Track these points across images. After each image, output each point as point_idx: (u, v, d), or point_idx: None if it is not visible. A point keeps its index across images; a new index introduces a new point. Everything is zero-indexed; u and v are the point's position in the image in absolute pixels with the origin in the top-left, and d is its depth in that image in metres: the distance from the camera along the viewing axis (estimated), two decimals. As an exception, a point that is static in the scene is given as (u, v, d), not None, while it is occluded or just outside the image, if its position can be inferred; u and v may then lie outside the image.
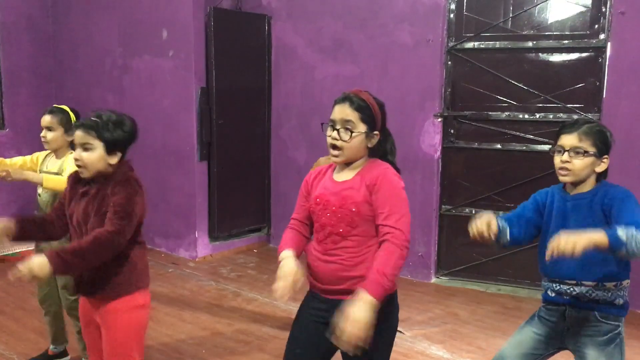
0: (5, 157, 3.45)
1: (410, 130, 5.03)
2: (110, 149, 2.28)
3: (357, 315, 1.90)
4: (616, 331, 2.22)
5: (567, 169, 2.19)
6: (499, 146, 4.84)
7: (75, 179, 2.40)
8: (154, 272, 5.24)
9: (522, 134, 4.77)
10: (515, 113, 4.77)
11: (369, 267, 2.04)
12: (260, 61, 5.87)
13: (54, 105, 3.33)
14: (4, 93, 6.31)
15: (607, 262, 2.16)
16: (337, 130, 2.10)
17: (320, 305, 2.19)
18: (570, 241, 1.87)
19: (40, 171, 3.22)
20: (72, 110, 3.26)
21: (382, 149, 2.19)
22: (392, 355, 3.71)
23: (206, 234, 5.73)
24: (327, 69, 5.46)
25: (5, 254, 5.48)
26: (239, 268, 5.47)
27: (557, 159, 2.23)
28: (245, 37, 5.72)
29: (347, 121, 2.09)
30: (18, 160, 3.38)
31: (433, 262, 5.13)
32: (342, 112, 2.11)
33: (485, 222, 2.16)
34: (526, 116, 4.73)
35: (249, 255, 5.86)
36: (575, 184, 2.24)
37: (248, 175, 5.90)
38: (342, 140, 2.09)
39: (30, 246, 3.54)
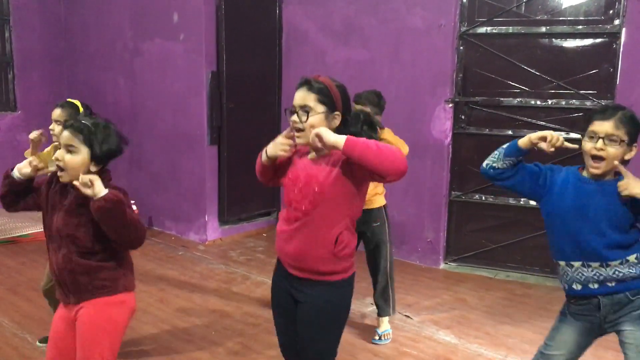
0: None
1: (421, 115, 5.00)
2: (94, 157, 2.21)
3: None
4: None
5: (601, 158, 2.13)
6: (510, 132, 4.81)
7: (49, 185, 2.33)
8: (164, 254, 5.33)
9: (534, 121, 4.73)
10: (527, 99, 4.73)
11: (327, 250, 2.17)
12: (271, 45, 5.85)
13: (67, 99, 3.35)
14: (16, 75, 6.35)
15: (632, 242, 2.19)
16: (297, 113, 2.18)
17: (285, 276, 2.33)
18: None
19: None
20: (83, 104, 3.27)
21: (351, 131, 2.19)
22: (401, 340, 3.74)
23: (216, 218, 5.75)
24: (338, 54, 5.43)
25: (17, 235, 5.55)
26: (248, 252, 5.50)
27: (589, 146, 2.15)
28: (256, 21, 5.69)
29: (305, 105, 2.17)
30: (49, 150, 3.37)
31: (442, 248, 5.13)
32: (301, 96, 2.19)
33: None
34: (538, 102, 4.70)
35: (258, 239, 5.89)
36: (602, 175, 2.18)
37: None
38: (300, 121, 2.17)
39: (40, 228, 3.58)
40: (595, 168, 2.15)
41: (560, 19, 4.57)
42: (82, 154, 2.19)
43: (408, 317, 4.08)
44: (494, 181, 2.34)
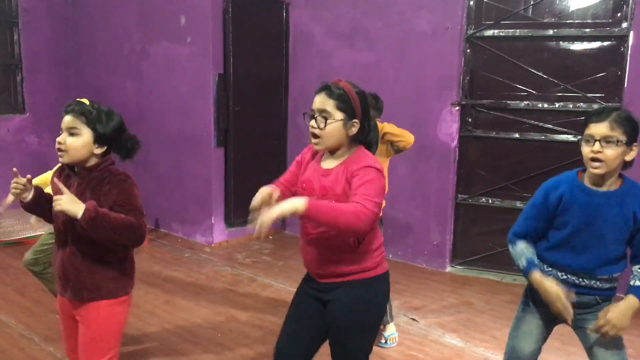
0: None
1: (427, 118, 5.00)
2: (97, 139, 2.22)
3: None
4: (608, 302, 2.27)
5: (599, 160, 2.12)
6: (517, 135, 4.80)
7: (57, 176, 2.34)
8: (170, 256, 5.34)
9: (540, 124, 4.72)
10: (534, 102, 4.72)
11: (347, 251, 2.16)
12: (277, 48, 5.86)
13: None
14: (24, 78, 6.38)
15: (621, 261, 2.23)
16: (315, 118, 2.15)
17: (315, 285, 2.29)
18: (618, 328, 2.14)
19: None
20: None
21: (365, 140, 2.20)
22: (407, 343, 3.73)
23: (222, 220, 5.76)
24: (345, 56, 5.44)
25: (24, 236, 5.57)
26: (255, 254, 5.51)
27: (587, 149, 2.14)
28: (263, 24, 5.71)
29: (324, 110, 2.13)
30: (41, 178, 3.36)
31: (448, 251, 5.12)
32: (320, 101, 2.16)
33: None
34: (545, 105, 4.68)
35: (264, 242, 5.89)
36: (604, 176, 2.16)
37: (264, 162, 5.92)
38: (318, 128, 2.14)
39: (47, 229, 3.59)
40: (596, 168, 2.13)
41: (568, 22, 4.56)
42: (85, 136, 2.20)
43: (414, 320, 4.07)
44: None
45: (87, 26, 6.52)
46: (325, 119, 2.13)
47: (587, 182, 2.21)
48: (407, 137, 3.56)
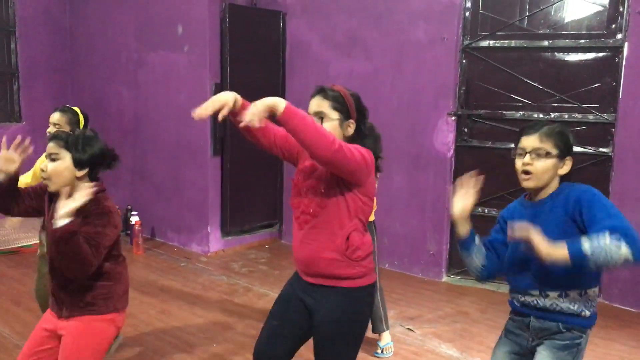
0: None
1: (423, 128, 5.02)
2: (77, 162, 2.25)
3: None
4: (577, 341, 2.12)
5: (528, 172, 2.10)
6: (512, 145, 4.78)
7: (50, 195, 2.38)
8: (166, 265, 5.33)
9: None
10: (530, 112, 4.74)
11: (338, 252, 2.17)
12: (274, 57, 5.88)
13: (66, 105, 3.36)
14: (21, 86, 6.38)
15: (570, 272, 2.01)
16: None
17: (301, 285, 2.32)
18: (536, 241, 1.89)
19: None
20: (82, 113, 3.28)
21: (363, 143, 2.21)
22: (403, 353, 3.72)
23: (218, 229, 5.76)
24: (341, 66, 5.46)
25: (20, 245, 5.55)
26: (251, 263, 5.50)
27: (519, 162, 2.14)
28: (260, 33, 5.73)
29: (319, 112, 2.18)
30: (28, 175, 3.35)
31: (444, 260, 5.12)
32: (316, 103, 2.21)
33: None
34: (541, 116, 4.70)
35: (260, 251, 5.89)
36: (538, 190, 2.14)
37: (261, 171, 5.92)
38: None
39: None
40: (525, 180, 2.12)
41: (563, 33, 4.59)
42: (65, 160, 2.24)
43: (410, 330, 4.06)
44: (495, 277, 2.36)
45: (84, 35, 6.53)
46: (322, 119, 2.17)
47: (526, 198, 2.22)
48: None
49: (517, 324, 2.27)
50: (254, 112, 1.97)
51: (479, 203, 4.94)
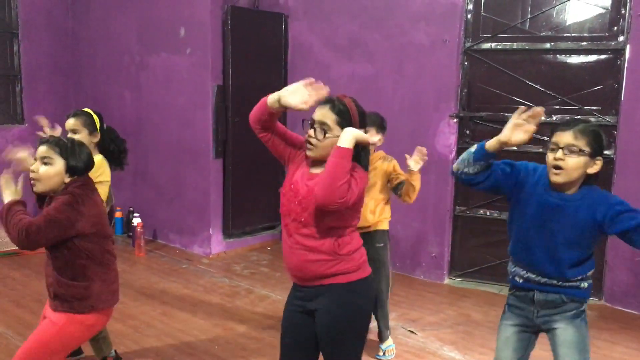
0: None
1: (425, 130, 5.01)
2: (69, 169, 2.34)
3: None
4: (581, 308, 2.28)
5: (560, 167, 2.15)
6: (514, 148, 4.79)
7: (38, 199, 2.52)
8: (168, 267, 5.33)
9: (538, 136, 4.71)
10: (532, 115, 4.73)
11: (327, 253, 2.20)
12: (276, 60, 5.89)
13: (77, 108, 3.35)
14: (24, 88, 6.39)
15: (580, 265, 2.22)
16: (315, 128, 2.21)
17: (297, 293, 2.34)
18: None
19: None
20: (95, 113, 3.28)
21: (359, 159, 2.23)
22: (405, 355, 3.71)
23: (220, 231, 5.76)
24: (343, 68, 5.46)
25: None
26: (252, 265, 5.50)
27: (551, 157, 2.19)
28: (262, 36, 5.74)
29: (324, 123, 2.20)
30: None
31: (446, 263, 5.12)
32: (322, 113, 2.22)
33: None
34: (542, 118, 4.68)
35: (262, 253, 5.89)
36: (564, 185, 2.19)
37: (262, 174, 5.92)
38: (316, 138, 2.20)
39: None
40: (555, 174, 2.17)
41: (565, 35, 4.59)
42: (58, 166, 2.31)
43: (412, 332, 4.06)
44: (467, 185, 2.33)
45: (86, 37, 6.55)
46: (325, 131, 2.19)
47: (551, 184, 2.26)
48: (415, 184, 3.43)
49: (519, 299, 2.35)
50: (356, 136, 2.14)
51: (481, 205, 4.97)
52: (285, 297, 2.48)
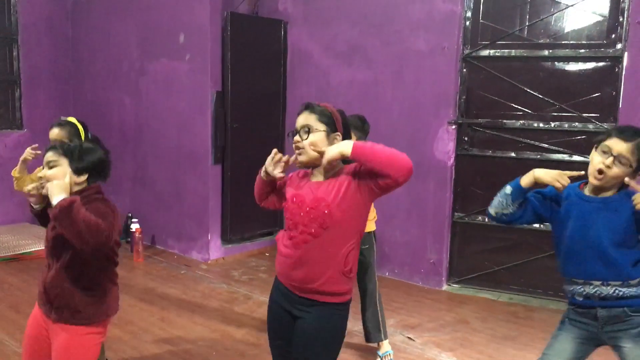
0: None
1: (424, 137, 5.03)
2: (75, 168, 2.28)
3: None
4: None
5: (603, 173, 2.17)
6: (513, 154, 4.83)
7: (40, 215, 2.46)
8: (166, 273, 5.32)
9: (536, 143, 4.75)
10: (530, 121, 4.75)
11: (337, 269, 2.18)
12: (275, 66, 5.90)
13: (61, 118, 3.32)
14: (23, 94, 6.41)
15: (638, 264, 2.21)
16: (299, 133, 2.24)
17: (286, 295, 2.32)
18: None
19: None
20: (80, 122, 3.24)
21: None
22: (402, 361, 3.66)
23: (219, 237, 5.76)
24: (342, 75, 5.48)
25: (20, 252, 5.55)
26: (251, 271, 5.49)
27: (598, 159, 2.19)
28: (261, 42, 5.75)
29: (306, 125, 2.22)
30: (24, 180, 3.37)
31: (445, 269, 5.12)
32: (303, 117, 2.25)
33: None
34: (541, 125, 4.71)
35: (260, 259, 5.88)
36: (601, 189, 2.23)
37: (261, 179, 5.92)
38: (301, 140, 2.22)
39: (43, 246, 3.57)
40: (598, 180, 2.19)
41: (563, 42, 4.61)
42: (63, 166, 2.26)
43: (410, 339, 4.05)
44: (509, 224, 2.39)
45: (86, 43, 6.56)
46: (309, 130, 2.21)
47: (586, 192, 2.28)
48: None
49: (582, 315, 2.33)
50: (326, 159, 2.12)
51: (480, 211, 4.98)
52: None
